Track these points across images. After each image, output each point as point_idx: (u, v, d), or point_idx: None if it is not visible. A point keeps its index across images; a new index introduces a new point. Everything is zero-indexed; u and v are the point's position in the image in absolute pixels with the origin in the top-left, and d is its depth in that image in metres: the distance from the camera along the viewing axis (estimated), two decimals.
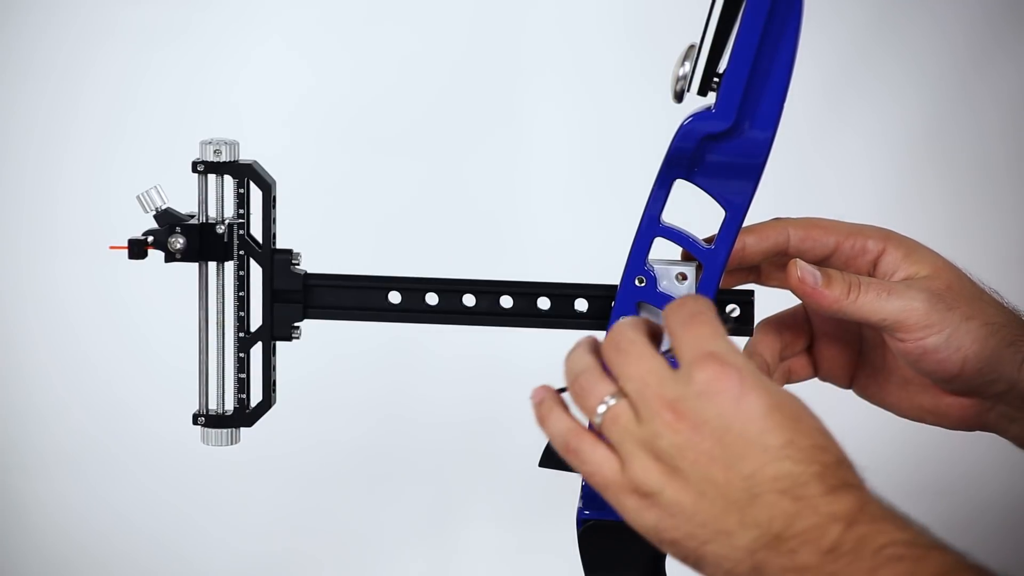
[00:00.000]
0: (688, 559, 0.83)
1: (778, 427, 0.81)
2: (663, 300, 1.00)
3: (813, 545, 0.79)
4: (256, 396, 1.08)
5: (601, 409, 0.84)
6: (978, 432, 1.08)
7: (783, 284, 1.04)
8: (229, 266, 1.07)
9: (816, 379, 1.10)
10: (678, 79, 0.93)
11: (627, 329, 0.85)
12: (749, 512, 0.81)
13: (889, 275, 1.02)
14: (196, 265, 1.07)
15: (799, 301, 1.06)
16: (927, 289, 1.00)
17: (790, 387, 1.09)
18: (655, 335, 0.88)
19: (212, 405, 1.09)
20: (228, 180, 1.07)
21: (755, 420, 0.81)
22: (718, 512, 0.81)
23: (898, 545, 0.78)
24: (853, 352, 1.07)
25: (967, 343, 0.99)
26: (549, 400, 0.88)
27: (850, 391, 1.10)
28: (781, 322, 1.07)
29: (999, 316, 1.01)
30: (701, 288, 0.99)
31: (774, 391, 0.83)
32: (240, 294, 1.07)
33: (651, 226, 0.98)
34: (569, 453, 0.86)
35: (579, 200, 1.88)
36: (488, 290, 1.06)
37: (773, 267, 1.06)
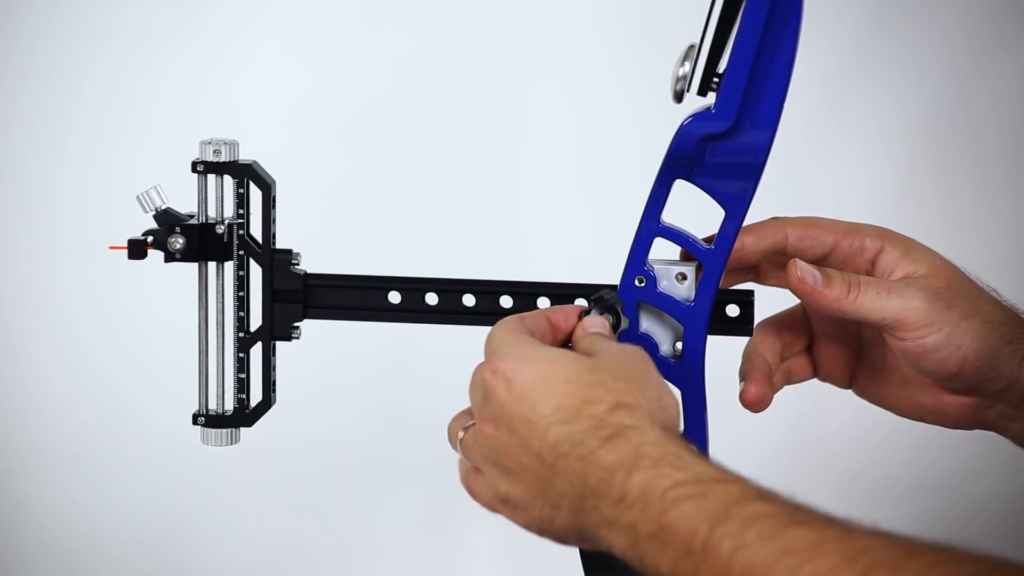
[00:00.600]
0: (561, 542, 0.88)
1: (544, 396, 0.86)
2: (663, 300, 1.00)
3: (606, 498, 0.82)
4: (256, 396, 1.08)
5: (460, 435, 0.92)
6: (975, 430, 1.08)
7: (782, 283, 1.04)
8: (229, 266, 1.07)
9: (815, 379, 1.10)
10: (678, 79, 0.93)
11: (478, 366, 0.92)
12: (555, 483, 0.85)
13: (887, 274, 1.02)
14: (196, 265, 1.07)
15: (798, 301, 1.06)
16: (926, 288, 1.00)
17: (792, 387, 1.10)
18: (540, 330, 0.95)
19: (212, 405, 1.09)
20: (228, 180, 1.07)
21: (524, 398, 0.86)
22: (539, 493, 0.86)
23: (682, 486, 0.80)
24: (852, 352, 1.07)
25: (967, 341, 0.99)
26: (461, 463, 0.94)
27: (848, 391, 1.10)
28: (780, 322, 1.07)
29: (998, 314, 1.01)
30: (701, 288, 0.99)
31: (543, 360, 0.87)
32: (240, 294, 1.07)
33: (651, 226, 0.98)
34: (472, 495, 0.92)
35: (579, 200, 1.88)
36: (488, 290, 1.06)
37: (772, 266, 1.06)
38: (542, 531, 0.88)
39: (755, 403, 1.04)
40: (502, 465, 0.88)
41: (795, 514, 0.77)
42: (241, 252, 1.07)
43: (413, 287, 1.06)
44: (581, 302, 1.03)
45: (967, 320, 0.99)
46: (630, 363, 0.89)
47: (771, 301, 1.08)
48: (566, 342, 0.97)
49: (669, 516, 0.79)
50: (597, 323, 0.96)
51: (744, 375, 1.05)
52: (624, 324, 0.99)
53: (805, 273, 0.99)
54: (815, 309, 1.02)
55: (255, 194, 1.06)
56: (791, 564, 0.74)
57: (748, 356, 1.05)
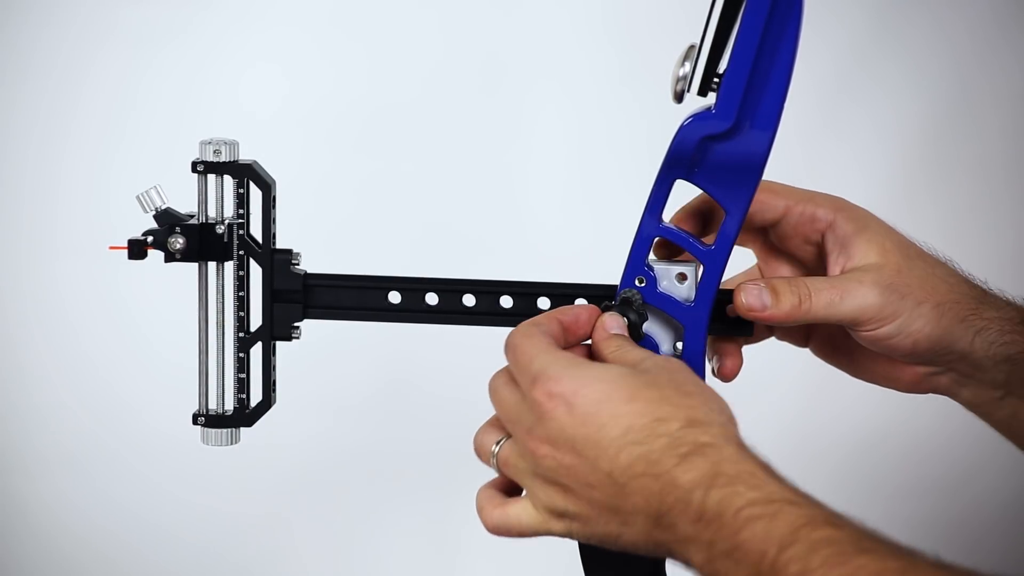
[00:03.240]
0: (622, 549, 0.88)
1: (613, 417, 0.86)
2: (663, 300, 1.00)
3: (685, 516, 0.83)
4: (256, 396, 1.09)
5: (493, 450, 0.92)
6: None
7: (741, 243, 1.05)
8: (229, 266, 1.08)
9: (798, 362, 1.11)
10: (678, 79, 0.93)
11: (496, 374, 0.93)
12: (628, 502, 0.85)
13: (836, 250, 1.02)
14: (196, 265, 1.07)
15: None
16: (878, 283, 1.00)
17: (790, 383, 1.10)
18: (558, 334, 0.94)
19: (212, 405, 1.09)
20: (228, 180, 1.07)
21: (591, 420, 0.86)
22: (609, 510, 0.86)
23: (754, 505, 0.81)
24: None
25: (918, 326, 1.00)
26: (481, 499, 0.94)
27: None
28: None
29: (951, 293, 1.02)
30: (701, 288, 0.99)
31: (603, 381, 0.87)
32: (240, 294, 1.07)
33: (651, 226, 0.99)
34: (501, 532, 0.92)
35: (579, 200, 1.88)
36: (488, 290, 1.06)
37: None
38: (604, 540, 0.88)
39: (731, 374, 1.05)
40: (561, 484, 0.88)
41: (861, 542, 0.78)
42: (241, 252, 1.07)
43: (413, 287, 1.06)
44: (581, 303, 1.03)
45: (919, 307, 1.00)
46: (683, 376, 0.89)
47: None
48: (578, 343, 0.97)
49: (742, 535, 0.80)
50: (617, 323, 0.96)
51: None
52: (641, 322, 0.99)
53: (751, 299, 1.00)
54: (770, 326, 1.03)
55: (255, 194, 1.06)
56: None
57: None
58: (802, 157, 1.84)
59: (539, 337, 0.92)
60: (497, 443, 0.92)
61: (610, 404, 0.86)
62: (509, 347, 0.92)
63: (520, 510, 0.91)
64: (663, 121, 0.99)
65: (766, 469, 0.83)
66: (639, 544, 0.86)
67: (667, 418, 0.85)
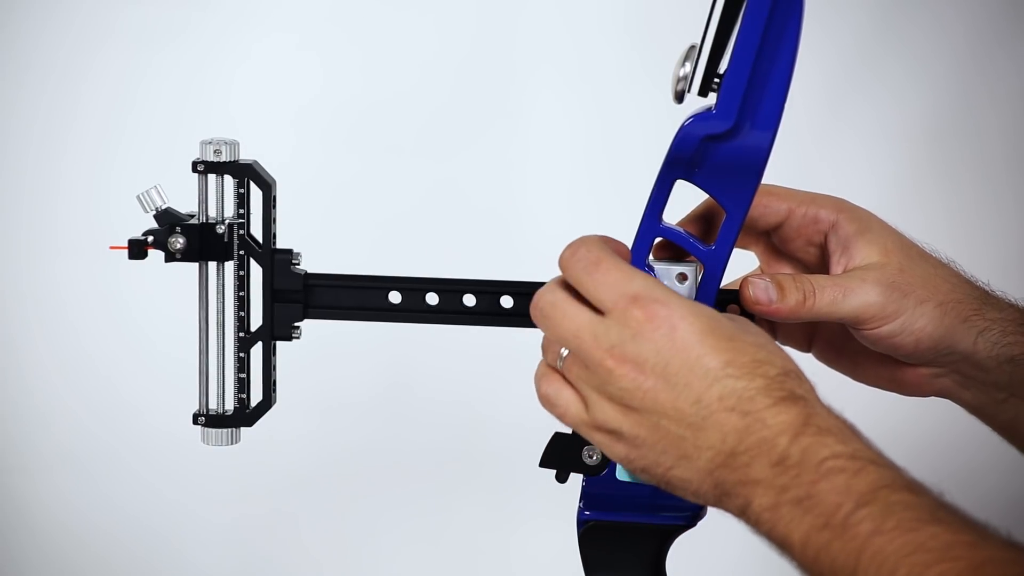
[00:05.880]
0: (660, 483, 0.89)
1: (714, 349, 0.86)
2: None
3: (764, 458, 0.83)
4: (256, 396, 1.08)
5: (563, 352, 0.91)
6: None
7: (745, 246, 1.06)
8: (229, 266, 1.07)
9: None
10: (679, 79, 0.93)
11: (546, 292, 0.92)
12: (702, 435, 0.85)
13: (840, 251, 1.03)
14: (196, 265, 1.07)
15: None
16: (880, 281, 1.00)
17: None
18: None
19: (212, 405, 1.09)
20: (228, 180, 1.07)
21: (691, 348, 0.86)
22: (674, 440, 0.86)
23: (839, 458, 0.82)
24: (810, 323, 1.08)
25: (920, 325, 1.01)
26: (542, 366, 0.94)
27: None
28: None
29: (954, 292, 1.02)
30: (702, 288, 0.99)
31: (706, 315, 0.88)
32: (240, 294, 1.07)
33: (652, 226, 0.98)
34: (543, 401, 0.92)
35: (580, 200, 1.88)
36: (488, 290, 1.06)
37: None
38: (645, 470, 0.88)
39: None
40: (626, 404, 0.88)
41: (936, 511, 0.79)
42: (241, 252, 1.07)
43: (413, 287, 1.06)
44: None
45: (922, 305, 1.01)
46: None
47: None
48: None
49: (819, 485, 0.81)
50: None
51: None
52: None
53: (758, 292, 1.00)
54: (774, 321, 1.04)
55: (255, 194, 1.06)
56: (920, 562, 0.76)
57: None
58: (807, 154, 1.84)
59: (622, 260, 0.91)
60: (562, 357, 0.91)
61: (712, 337, 0.87)
62: (588, 258, 0.90)
63: (572, 400, 0.90)
64: (665, 120, 0.99)
65: (854, 430, 0.84)
66: (690, 480, 0.86)
67: (766, 362, 0.86)
